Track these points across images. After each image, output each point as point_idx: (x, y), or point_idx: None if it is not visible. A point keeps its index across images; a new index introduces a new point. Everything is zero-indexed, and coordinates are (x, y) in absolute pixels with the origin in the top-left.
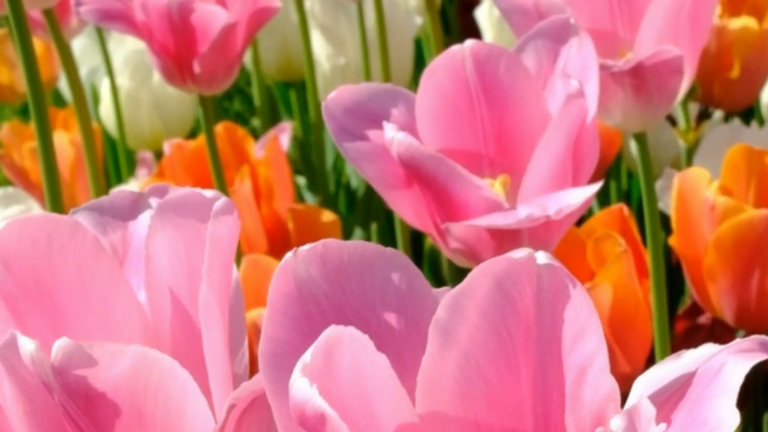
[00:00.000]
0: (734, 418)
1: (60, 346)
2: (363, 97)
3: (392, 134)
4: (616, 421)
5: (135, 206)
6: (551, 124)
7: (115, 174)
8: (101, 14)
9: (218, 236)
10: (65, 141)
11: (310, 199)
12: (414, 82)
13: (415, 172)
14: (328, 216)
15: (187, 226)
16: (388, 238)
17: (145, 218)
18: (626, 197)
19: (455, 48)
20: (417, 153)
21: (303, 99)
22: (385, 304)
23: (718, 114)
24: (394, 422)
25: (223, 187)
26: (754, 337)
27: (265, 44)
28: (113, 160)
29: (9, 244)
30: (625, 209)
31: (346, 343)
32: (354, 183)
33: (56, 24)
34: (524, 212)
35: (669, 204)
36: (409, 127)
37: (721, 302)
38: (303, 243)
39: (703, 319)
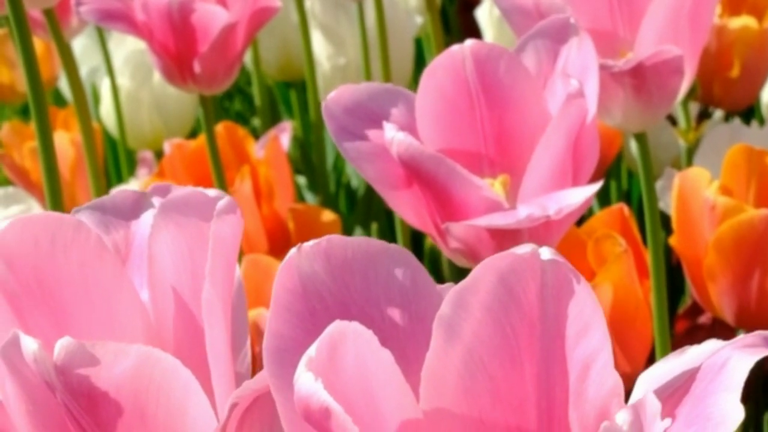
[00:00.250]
0: (739, 412)
1: (62, 345)
2: (363, 96)
3: (392, 134)
4: (622, 416)
5: (138, 205)
6: (551, 124)
7: (116, 174)
8: (101, 14)
9: (221, 235)
10: (66, 141)
11: (310, 198)
12: (414, 82)
13: (415, 172)
14: (328, 216)
15: (190, 225)
16: (388, 237)
17: (147, 217)
18: (626, 197)
19: (455, 48)
20: (417, 153)
21: (303, 99)
22: (389, 300)
23: (718, 114)
24: (398, 418)
25: (224, 187)
26: (759, 332)
27: (265, 44)
28: (114, 160)
29: (12, 242)
30: (626, 209)
31: (351, 338)
32: (354, 183)
33: (56, 24)
34: (524, 212)
35: (669, 204)
36: (409, 127)
37: (722, 302)
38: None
39: (704, 319)
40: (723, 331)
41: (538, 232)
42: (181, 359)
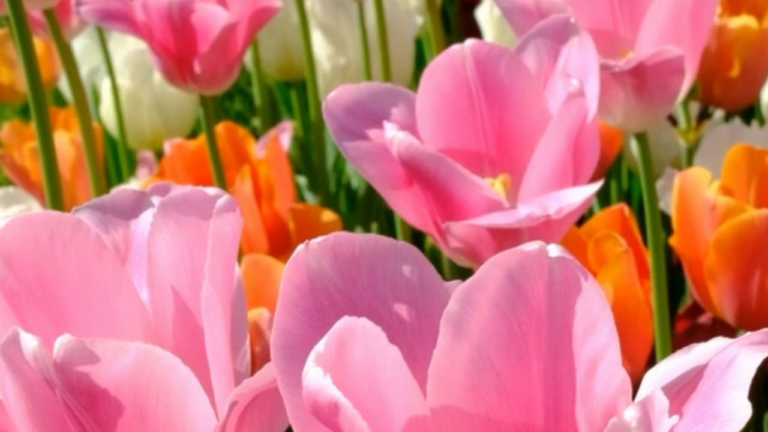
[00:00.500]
0: (746, 410)
1: (62, 342)
2: (363, 96)
3: (392, 134)
4: (631, 412)
5: (137, 204)
6: (551, 124)
7: (116, 174)
8: (102, 14)
9: (221, 233)
10: (66, 141)
11: (310, 198)
12: (414, 82)
13: (415, 171)
14: (328, 216)
15: (189, 223)
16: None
17: (147, 216)
18: (627, 197)
19: (455, 47)
20: (417, 152)
21: (303, 99)
22: (396, 296)
23: (718, 114)
24: (405, 414)
25: (224, 187)
26: (766, 330)
27: (265, 44)
28: (114, 160)
29: (11, 241)
30: (626, 209)
31: (359, 334)
32: (355, 183)
33: (57, 24)
34: (524, 211)
35: (670, 204)
36: (410, 127)
37: (722, 302)
38: None
39: (704, 319)
40: (723, 331)
41: (539, 231)
42: (181, 357)
